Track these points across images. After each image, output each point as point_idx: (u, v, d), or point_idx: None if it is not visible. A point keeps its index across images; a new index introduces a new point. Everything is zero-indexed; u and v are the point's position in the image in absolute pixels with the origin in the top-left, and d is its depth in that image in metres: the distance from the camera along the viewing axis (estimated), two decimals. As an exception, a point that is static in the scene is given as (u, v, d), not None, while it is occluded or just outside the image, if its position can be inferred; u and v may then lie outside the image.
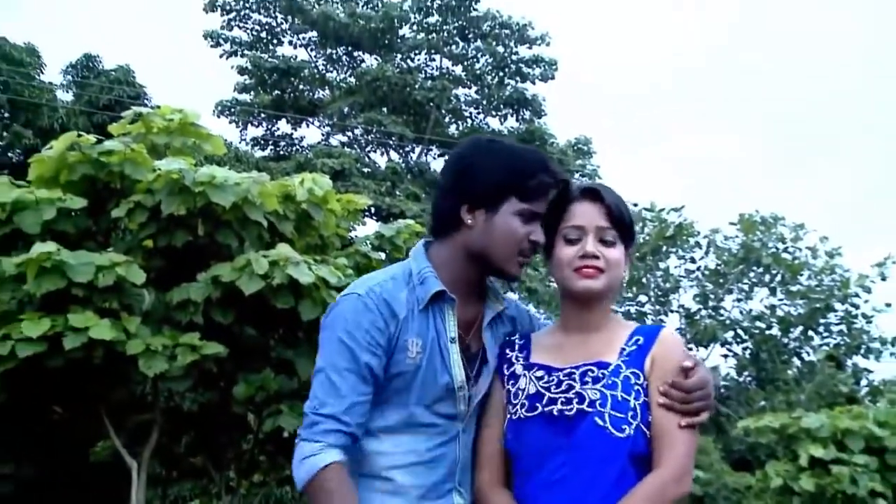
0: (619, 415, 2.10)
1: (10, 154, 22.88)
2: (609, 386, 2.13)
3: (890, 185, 56.97)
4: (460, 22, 25.24)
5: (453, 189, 2.31)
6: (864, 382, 19.75)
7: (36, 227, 6.70)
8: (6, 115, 23.36)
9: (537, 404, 2.16)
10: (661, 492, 2.09)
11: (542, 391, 2.17)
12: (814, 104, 64.46)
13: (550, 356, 2.25)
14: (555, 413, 2.13)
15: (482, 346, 2.34)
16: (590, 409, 2.10)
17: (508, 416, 2.23)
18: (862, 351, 19.84)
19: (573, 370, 2.18)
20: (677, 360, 2.18)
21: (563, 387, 2.16)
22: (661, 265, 21.11)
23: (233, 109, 25.26)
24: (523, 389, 2.21)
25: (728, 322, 20.53)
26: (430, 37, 25.51)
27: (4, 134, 23.56)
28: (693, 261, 21.03)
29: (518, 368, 2.27)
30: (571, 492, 2.07)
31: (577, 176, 25.47)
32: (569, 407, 2.12)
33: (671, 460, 2.12)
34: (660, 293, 21.10)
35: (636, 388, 2.15)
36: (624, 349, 2.22)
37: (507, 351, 2.33)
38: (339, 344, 2.15)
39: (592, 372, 2.16)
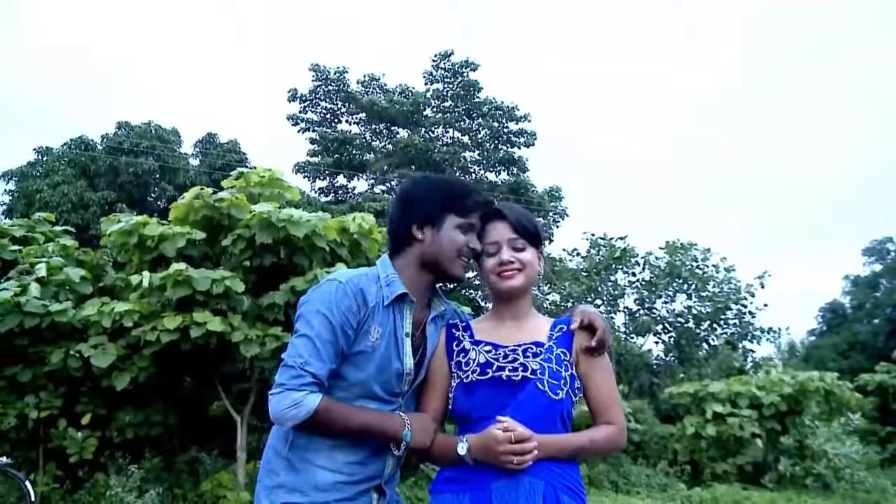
0: (554, 382, 2.00)
1: (158, 203, 23.32)
2: (546, 360, 2.03)
3: (763, 225, 57.04)
4: (467, 106, 25.24)
5: (405, 213, 2.13)
6: (749, 359, 19.59)
7: (173, 252, 6.84)
8: (157, 176, 23.80)
9: (488, 370, 2.02)
10: (617, 438, 2.07)
11: (492, 361, 2.04)
12: (721, 171, 64.39)
13: (493, 336, 2.11)
14: (504, 378, 2.00)
15: (424, 340, 2.15)
16: (532, 377, 1.99)
17: (458, 381, 2.06)
18: (748, 337, 19.57)
19: (516, 346, 2.06)
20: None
21: (510, 358, 2.03)
22: (611, 278, 20.78)
23: (306, 168, 25.27)
24: (474, 359, 2.06)
25: (658, 318, 20.24)
26: (445, 116, 25.52)
27: (156, 189, 23.98)
28: (634, 275, 20.66)
29: (466, 344, 2.11)
30: None
31: (550, 214, 25.49)
32: (515, 374, 2.00)
33: (620, 422, 2.09)
34: (610, 298, 20.81)
35: (566, 363, 2.05)
36: (552, 335, 2.10)
37: (454, 331, 2.16)
38: (323, 318, 1.95)
39: (532, 349, 2.05)
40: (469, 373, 2.05)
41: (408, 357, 2.07)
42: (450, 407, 2.09)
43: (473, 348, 2.09)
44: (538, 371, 2.00)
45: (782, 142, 63.42)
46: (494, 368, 2.02)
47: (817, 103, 70.36)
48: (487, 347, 2.08)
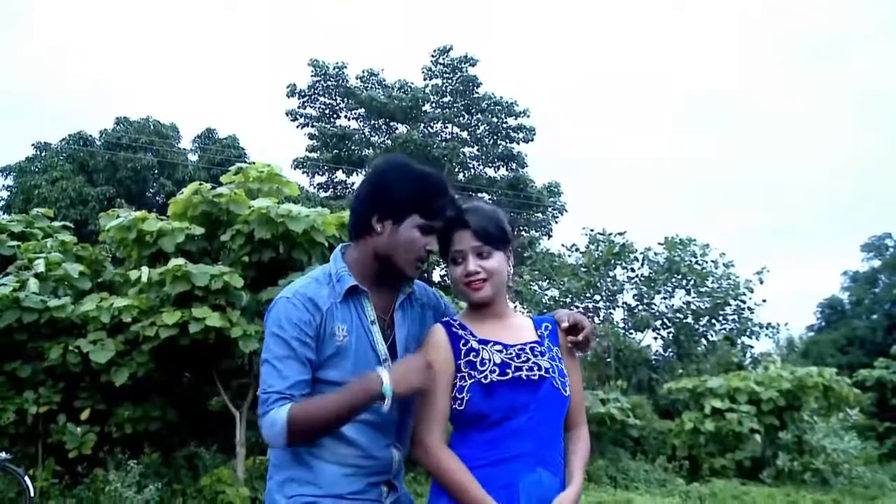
0: (563, 380, 2.06)
1: (157, 198, 23.35)
2: (552, 358, 2.07)
3: (762, 223, 57.24)
4: (466, 101, 25.27)
5: (368, 200, 2.06)
6: (748, 355, 19.55)
7: (171, 248, 6.86)
8: (156, 171, 23.81)
9: (507, 371, 2.00)
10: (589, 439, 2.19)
11: (508, 361, 2.02)
12: (718, 172, 64.38)
13: (494, 334, 2.10)
14: (523, 378, 2.00)
15: (394, 325, 2.11)
16: (547, 375, 2.02)
17: (473, 381, 2.01)
18: (747, 333, 19.58)
19: (524, 346, 2.07)
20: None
21: (523, 358, 2.04)
22: (610, 274, 20.76)
23: (305, 163, 25.35)
24: (489, 359, 2.03)
25: (657, 314, 20.22)
26: (444, 111, 25.56)
27: (154, 184, 24.01)
28: (633, 270, 20.62)
29: (474, 343, 2.06)
30: (540, 435, 2.00)
31: (549, 210, 25.50)
32: (533, 373, 2.01)
33: (585, 421, 2.21)
34: (609, 294, 20.80)
35: (561, 360, 2.11)
36: (542, 333, 2.14)
37: (454, 329, 2.11)
38: (277, 338, 1.93)
39: (537, 348, 2.07)
40: (487, 373, 2.01)
41: (380, 345, 2.04)
42: (459, 407, 2.02)
43: (483, 348, 2.06)
44: (550, 370, 2.04)
45: (782, 139, 63.41)
46: (513, 369, 2.02)
47: (817, 101, 70.34)
48: (498, 347, 2.06)
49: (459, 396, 2.02)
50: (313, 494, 1.98)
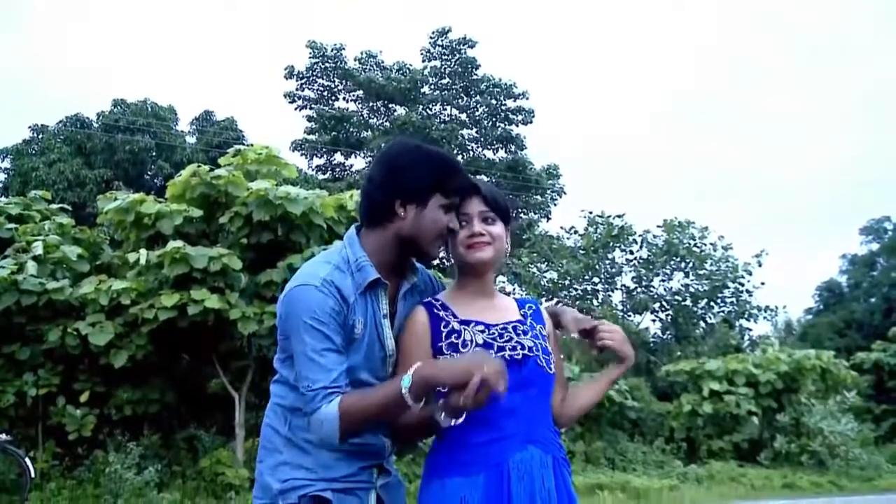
0: (547, 357, 2.03)
1: (155, 181, 23.26)
2: (535, 336, 2.04)
3: (761, 208, 57.20)
4: (465, 83, 25.14)
5: (387, 185, 2.01)
6: (746, 338, 19.66)
7: (170, 230, 6.86)
8: (153, 153, 23.75)
9: (490, 352, 1.95)
10: None
11: (490, 342, 1.99)
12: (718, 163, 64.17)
13: (477, 314, 2.06)
14: (506, 357, 1.95)
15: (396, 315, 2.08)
16: (531, 354, 1.99)
17: None
18: (745, 315, 19.65)
19: (506, 325, 2.04)
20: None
21: (506, 337, 2.00)
22: (609, 256, 20.78)
23: (303, 145, 25.23)
24: (471, 341, 2.00)
25: (656, 296, 20.26)
26: (443, 93, 25.43)
27: (152, 167, 23.95)
28: (631, 253, 20.63)
29: (455, 325, 2.03)
30: (529, 413, 1.97)
31: (548, 192, 25.45)
32: (516, 352, 1.98)
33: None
34: (608, 276, 20.84)
35: (545, 338, 2.09)
36: (526, 313, 2.12)
37: (435, 310, 2.07)
38: (314, 330, 1.88)
39: (520, 327, 2.04)
40: None
41: (389, 339, 2.02)
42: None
43: (465, 329, 2.02)
44: (534, 348, 2.01)
45: (782, 131, 63.15)
46: (496, 349, 1.98)
47: (817, 99, 69.87)
48: (480, 328, 2.02)
49: None
50: (306, 478, 1.97)
